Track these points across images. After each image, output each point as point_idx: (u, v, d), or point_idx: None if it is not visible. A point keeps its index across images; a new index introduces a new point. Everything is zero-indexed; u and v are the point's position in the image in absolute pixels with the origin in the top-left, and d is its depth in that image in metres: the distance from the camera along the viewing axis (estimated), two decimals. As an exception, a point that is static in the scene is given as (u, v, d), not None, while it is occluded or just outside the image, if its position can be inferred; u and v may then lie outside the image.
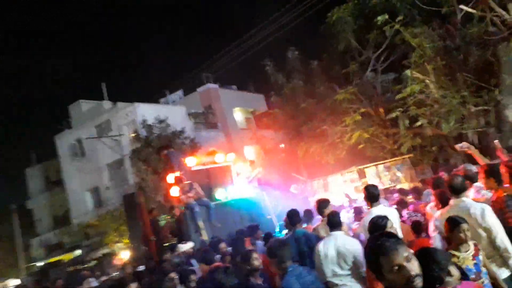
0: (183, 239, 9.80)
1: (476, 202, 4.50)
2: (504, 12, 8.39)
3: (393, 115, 10.26)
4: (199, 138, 20.19)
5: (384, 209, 5.00)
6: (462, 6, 9.55)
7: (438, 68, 9.73)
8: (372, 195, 5.00)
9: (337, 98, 13.27)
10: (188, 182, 10.35)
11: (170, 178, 10.66)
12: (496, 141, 6.41)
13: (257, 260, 4.21)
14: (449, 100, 9.11)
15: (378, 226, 4.00)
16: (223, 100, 26.26)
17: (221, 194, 10.82)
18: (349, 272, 4.82)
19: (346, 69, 14.75)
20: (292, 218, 6.12)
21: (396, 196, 8.79)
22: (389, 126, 12.66)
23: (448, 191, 4.64)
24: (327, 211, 6.02)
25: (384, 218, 4.19)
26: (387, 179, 12.00)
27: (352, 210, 8.48)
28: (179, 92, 27.00)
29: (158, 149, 12.52)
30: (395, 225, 4.94)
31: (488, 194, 5.40)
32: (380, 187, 12.44)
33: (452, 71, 9.84)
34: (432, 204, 5.73)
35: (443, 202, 5.30)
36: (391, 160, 12.04)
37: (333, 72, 16.12)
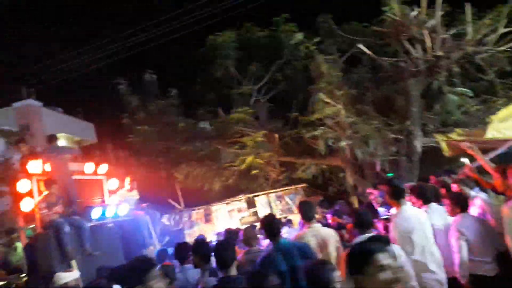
0: (37, 273, 6.72)
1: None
2: (413, 51, 9.23)
3: (316, 133, 9.81)
4: (13, 161, 15.60)
5: (322, 228, 4.68)
6: (363, 48, 10.18)
7: (346, 96, 9.94)
8: (308, 212, 4.66)
9: (233, 117, 12.18)
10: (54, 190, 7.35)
11: (23, 185, 7.36)
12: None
13: None
14: (361, 126, 9.26)
15: None
16: (46, 122, 21.60)
17: (97, 213, 7.95)
18: None
19: (229, 95, 13.98)
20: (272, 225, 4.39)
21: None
22: (282, 154, 12.21)
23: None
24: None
25: None
26: (278, 208, 11.26)
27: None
28: (-15, 104, 20.92)
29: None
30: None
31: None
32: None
33: (361, 101, 10.23)
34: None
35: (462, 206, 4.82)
36: (283, 189, 11.45)
37: (207, 98, 15.13)
